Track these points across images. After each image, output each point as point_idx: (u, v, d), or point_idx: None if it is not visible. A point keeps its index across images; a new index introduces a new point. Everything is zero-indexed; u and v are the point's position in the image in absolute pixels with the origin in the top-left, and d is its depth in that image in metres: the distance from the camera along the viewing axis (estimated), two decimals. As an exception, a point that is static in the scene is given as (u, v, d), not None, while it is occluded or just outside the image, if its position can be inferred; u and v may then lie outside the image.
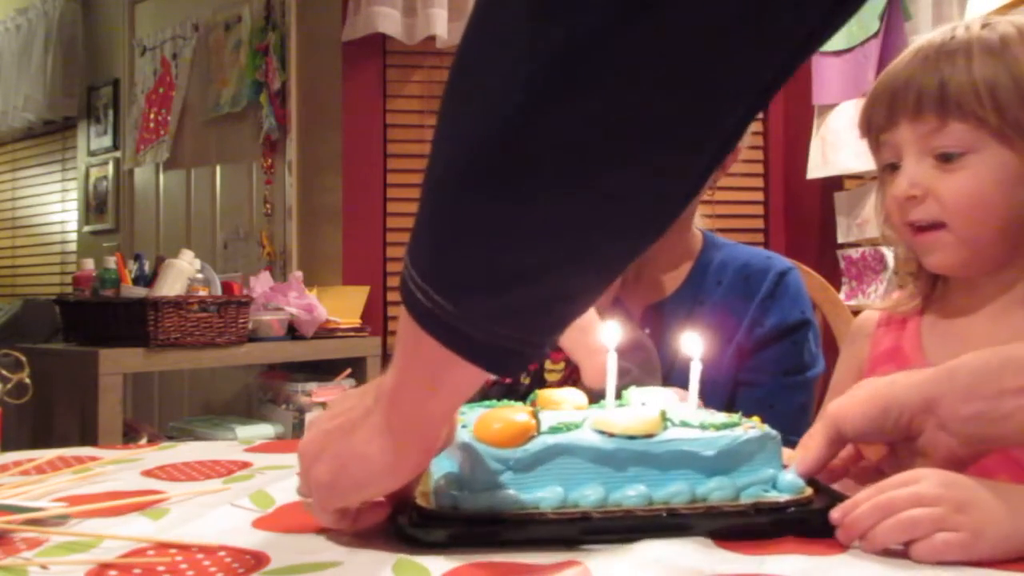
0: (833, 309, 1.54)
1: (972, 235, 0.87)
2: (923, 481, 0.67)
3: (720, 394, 1.22)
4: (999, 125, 0.84)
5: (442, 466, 0.78)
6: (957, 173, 0.86)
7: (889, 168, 0.93)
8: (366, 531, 0.70)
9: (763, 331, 1.26)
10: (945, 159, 0.87)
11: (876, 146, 0.95)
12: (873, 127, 0.93)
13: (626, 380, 1.04)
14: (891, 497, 0.66)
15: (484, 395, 1.17)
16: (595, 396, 0.84)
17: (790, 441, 0.77)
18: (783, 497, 0.71)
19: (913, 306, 0.98)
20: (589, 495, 0.69)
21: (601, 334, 0.83)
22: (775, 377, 1.26)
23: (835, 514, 0.68)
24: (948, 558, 0.63)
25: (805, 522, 0.69)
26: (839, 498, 0.70)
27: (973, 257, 0.89)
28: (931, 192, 0.88)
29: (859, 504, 0.66)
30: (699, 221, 1.40)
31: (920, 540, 0.63)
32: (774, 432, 0.74)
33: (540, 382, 1.17)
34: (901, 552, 0.65)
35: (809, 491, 0.72)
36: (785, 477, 0.72)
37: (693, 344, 0.82)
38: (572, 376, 1.14)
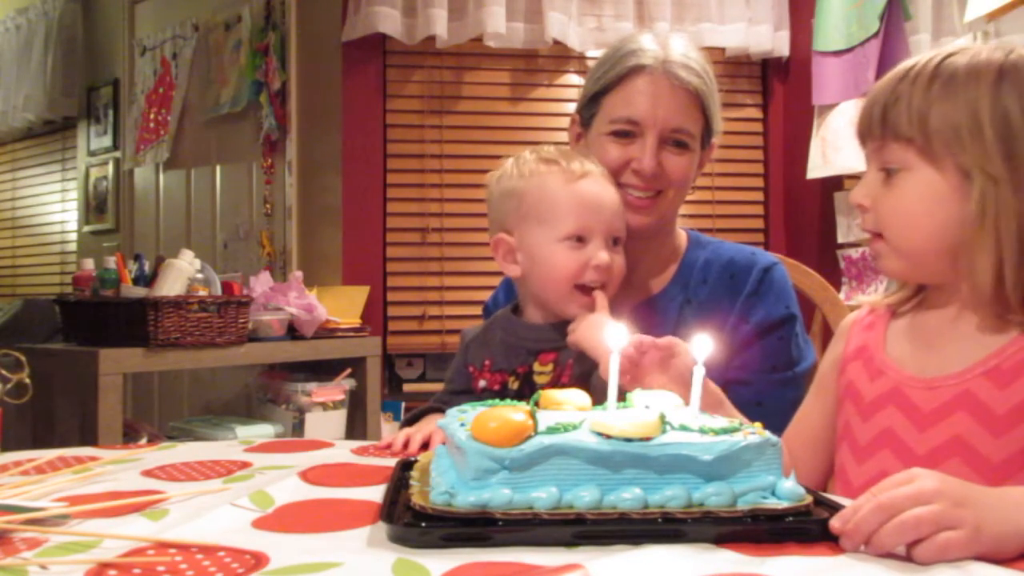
0: (833, 309, 1.54)
1: (904, 245, 0.94)
2: (919, 479, 0.68)
3: None
4: (925, 147, 0.90)
5: (440, 465, 0.79)
6: (894, 189, 0.94)
7: None
8: (364, 532, 0.70)
9: (749, 328, 1.26)
10: (888, 174, 0.94)
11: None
12: (859, 138, 1.01)
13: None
14: (891, 498, 0.66)
15: (477, 400, 1.17)
16: (600, 398, 0.84)
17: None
18: (782, 504, 0.71)
19: (898, 299, 1.03)
20: (584, 496, 0.69)
21: (608, 336, 0.83)
22: (763, 374, 1.26)
23: (835, 523, 0.68)
24: (950, 557, 0.64)
25: (803, 531, 0.69)
26: (838, 507, 0.70)
27: (909, 265, 0.96)
28: (875, 204, 0.95)
29: (859, 510, 0.67)
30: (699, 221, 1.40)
31: (923, 540, 0.64)
32: (775, 439, 0.74)
33: (530, 385, 1.17)
34: (902, 554, 0.65)
35: (808, 499, 0.72)
36: (784, 484, 0.72)
37: (702, 348, 0.82)
38: (561, 379, 1.14)
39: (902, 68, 0.95)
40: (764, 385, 1.25)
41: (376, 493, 0.84)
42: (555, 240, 1.17)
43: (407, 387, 3.17)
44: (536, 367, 1.17)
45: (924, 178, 0.91)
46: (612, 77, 1.27)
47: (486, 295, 1.51)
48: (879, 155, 0.95)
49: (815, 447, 1.07)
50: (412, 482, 0.78)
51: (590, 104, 1.31)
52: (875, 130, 0.94)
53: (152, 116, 3.71)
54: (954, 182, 0.90)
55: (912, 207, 0.92)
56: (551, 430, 0.72)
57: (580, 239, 1.16)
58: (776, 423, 1.09)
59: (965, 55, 0.92)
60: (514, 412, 0.72)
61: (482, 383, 1.20)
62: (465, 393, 1.22)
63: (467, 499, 0.68)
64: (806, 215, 3.16)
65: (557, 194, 1.18)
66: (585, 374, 1.12)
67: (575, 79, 3.20)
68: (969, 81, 0.89)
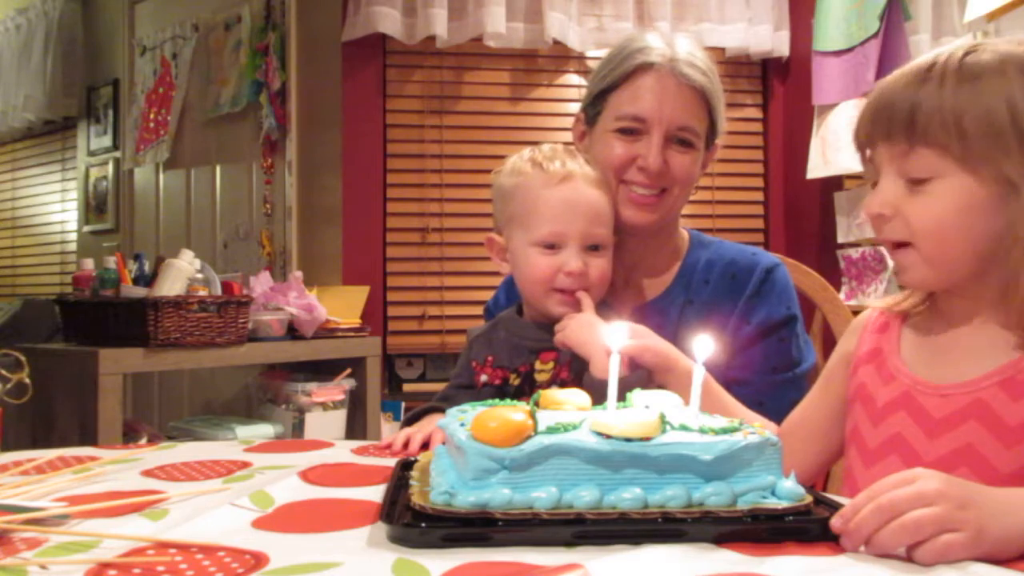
0: (833, 309, 1.54)
1: (937, 256, 0.90)
2: (922, 480, 0.67)
3: None
4: (963, 154, 0.86)
5: (440, 465, 0.79)
6: (924, 196, 0.89)
7: (876, 184, 0.96)
8: (364, 532, 0.70)
9: (750, 329, 1.26)
10: (914, 182, 0.89)
11: (864, 161, 0.98)
12: (860, 143, 0.97)
13: (636, 376, 1.06)
14: (892, 499, 0.66)
15: (476, 396, 1.18)
16: (599, 397, 0.84)
17: None
18: (781, 504, 0.70)
19: (910, 304, 1.01)
20: (584, 496, 0.69)
21: (607, 335, 0.83)
22: (764, 375, 1.26)
23: (836, 522, 0.67)
24: (951, 559, 0.63)
25: (803, 530, 0.69)
26: (838, 507, 0.70)
27: (940, 275, 0.92)
28: (900, 212, 0.90)
29: (859, 509, 0.67)
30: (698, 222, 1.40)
31: (924, 542, 0.64)
32: (775, 438, 0.74)
33: (530, 382, 1.17)
34: (902, 555, 0.65)
35: (808, 499, 0.72)
36: (784, 484, 0.72)
37: (703, 347, 0.82)
38: (560, 376, 1.15)
39: (918, 69, 0.90)
40: (764, 386, 1.25)
41: (376, 493, 0.84)
42: (529, 244, 1.19)
43: (407, 387, 3.17)
44: (537, 365, 1.18)
45: (961, 186, 0.86)
46: (619, 75, 1.27)
47: (486, 295, 1.52)
48: (900, 162, 0.90)
49: (816, 439, 1.06)
50: (412, 482, 0.78)
51: (595, 102, 1.31)
52: (897, 136, 0.89)
53: (152, 116, 3.70)
54: (994, 190, 0.86)
55: (950, 216, 0.87)
56: (551, 430, 0.72)
57: (552, 245, 1.17)
58: (775, 423, 1.09)
59: (986, 51, 0.88)
60: (514, 412, 0.72)
61: (483, 377, 1.21)
62: (470, 388, 1.23)
63: (467, 499, 0.68)
64: (806, 215, 3.16)
65: (533, 198, 1.19)
66: (584, 370, 1.12)
67: (575, 79, 3.20)
68: (1002, 76, 0.85)
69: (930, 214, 0.88)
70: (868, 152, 0.95)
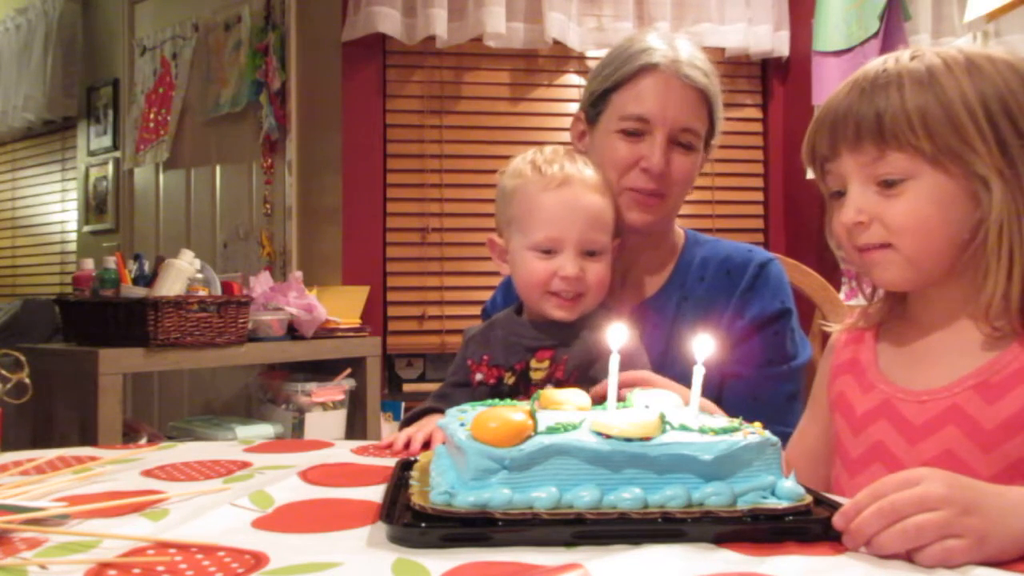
0: (833, 309, 1.54)
1: (917, 254, 0.91)
2: (926, 482, 0.66)
3: (709, 390, 1.22)
4: (933, 153, 0.88)
5: (440, 465, 0.79)
6: (900, 198, 0.90)
7: (835, 195, 0.97)
8: (364, 532, 0.70)
9: (744, 323, 1.27)
10: (887, 185, 0.91)
11: (821, 174, 0.99)
12: (817, 157, 0.97)
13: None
14: (894, 501, 0.65)
15: (472, 394, 1.18)
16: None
17: (777, 431, 0.77)
18: (781, 504, 0.70)
19: (872, 320, 1.02)
20: (584, 496, 0.69)
21: (608, 334, 0.83)
22: (758, 368, 1.26)
23: (838, 520, 0.67)
24: (952, 564, 0.63)
25: (803, 530, 0.69)
26: (838, 507, 0.70)
27: (918, 274, 0.92)
28: (877, 217, 0.92)
29: (861, 508, 0.66)
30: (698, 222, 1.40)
31: (925, 546, 0.63)
32: (774, 438, 0.74)
33: (525, 381, 1.17)
34: (903, 555, 0.65)
35: (808, 499, 0.72)
36: (784, 484, 0.72)
37: (703, 347, 0.82)
38: (555, 375, 1.15)
39: (868, 78, 0.92)
40: (759, 379, 1.26)
41: (376, 493, 0.84)
42: (526, 247, 1.19)
43: (407, 387, 3.17)
44: (533, 363, 1.18)
45: (935, 184, 0.88)
46: (622, 75, 1.27)
47: (486, 295, 1.52)
48: (870, 169, 0.91)
49: (815, 462, 1.05)
50: (412, 482, 0.78)
51: (597, 101, 1.31)
52: (866, 144, 0.90)
53: (152, 116, 3.71)
54: (965, 186, 0.88)
55: (930, 213, 0.89)
56: (551, 430, 0.72)
57: (549, 250, 1.17)
58: (772, 417, 1.09)
59: (926, 54, 0.91)
60: (514, 412, 0.72)
61: (479, 376, 1.21)
62: (465, 386, 1.23)
63: (467, 499, 0.68)
64: (806, 215, 3.16)
65: (530, 201, 1.19)
66: (579, 368, 1.13)
67: (575, 79, 3.20)
68: (951, 75, 0.88)
69: (910, 213, 0.90)
70: (826, 165, 0.96)
